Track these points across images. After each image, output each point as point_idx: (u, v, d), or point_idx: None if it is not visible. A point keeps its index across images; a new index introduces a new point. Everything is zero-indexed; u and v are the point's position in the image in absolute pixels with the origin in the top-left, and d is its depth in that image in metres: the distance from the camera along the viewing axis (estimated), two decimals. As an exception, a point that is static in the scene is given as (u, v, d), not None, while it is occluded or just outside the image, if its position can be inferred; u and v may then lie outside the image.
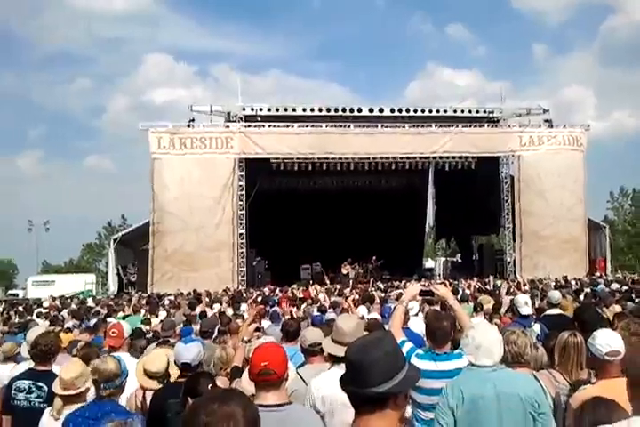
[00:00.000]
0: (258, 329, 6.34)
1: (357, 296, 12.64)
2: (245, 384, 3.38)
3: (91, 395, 3.87)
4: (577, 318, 5.50)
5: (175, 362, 4.63)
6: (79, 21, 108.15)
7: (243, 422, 1.71)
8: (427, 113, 26.18)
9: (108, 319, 9.18)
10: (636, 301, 8.30)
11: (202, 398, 1.86)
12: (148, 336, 7.44)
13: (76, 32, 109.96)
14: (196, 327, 8.21)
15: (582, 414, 2.76)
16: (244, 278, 24.61)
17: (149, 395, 4.54)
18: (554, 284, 17.07)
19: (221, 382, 4.42)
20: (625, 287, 13.62)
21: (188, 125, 25.15)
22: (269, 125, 25.35)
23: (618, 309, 7.60)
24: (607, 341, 3.51)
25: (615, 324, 5.17)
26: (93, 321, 9.79)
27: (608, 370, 3.45)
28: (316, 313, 9.89)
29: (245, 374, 3.49)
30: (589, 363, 3.75)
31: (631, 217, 54.64)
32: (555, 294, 7.55)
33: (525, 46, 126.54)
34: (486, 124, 27.10)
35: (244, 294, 17.42)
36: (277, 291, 20.18)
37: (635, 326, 4.50)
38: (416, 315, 7.59)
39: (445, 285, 11.05)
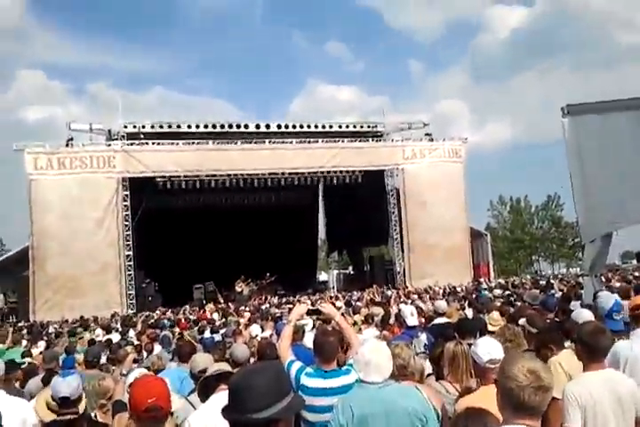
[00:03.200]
0: (136, 360, 6.08)
1: (250, 314, 12.51)
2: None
3: None
4: (457, 328, 5.70)
5: (52, 397, 4.33)
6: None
7: None
8: (312, 129, 26.56)
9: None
10: (516, 304, 8.67)
11: None
12: (23, 366, 6.93)
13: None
14: (80, 357, 7.79)
15: (457, 422, 2.83)
16: (133, 302, 23.70)
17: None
18: (442, 291, 17.67)
19: (100, 417, 4.18)
20: (507, 292, 14.26)
21: (67, 144, 23.96)
22: (153, 143, 24.69)
23: (496, 315, 7.85)
24: (488, 349, 3.61)
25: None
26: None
27: (489, 377, 3.54)
28: (207, 335, 9.68)
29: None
30: (474, 370, 3.85)
31: (510, 224, 57.72)
32: (441, 304, 7.80)
33: (401, 62, 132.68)
34: (370, 139, 27.86)
35: (134, 319, 16.75)
36: (169, 313, 19.63)
37: (509, 331, 4.68)
38: (310, 331, 7.57)
39: (337, 299, 11.18)
